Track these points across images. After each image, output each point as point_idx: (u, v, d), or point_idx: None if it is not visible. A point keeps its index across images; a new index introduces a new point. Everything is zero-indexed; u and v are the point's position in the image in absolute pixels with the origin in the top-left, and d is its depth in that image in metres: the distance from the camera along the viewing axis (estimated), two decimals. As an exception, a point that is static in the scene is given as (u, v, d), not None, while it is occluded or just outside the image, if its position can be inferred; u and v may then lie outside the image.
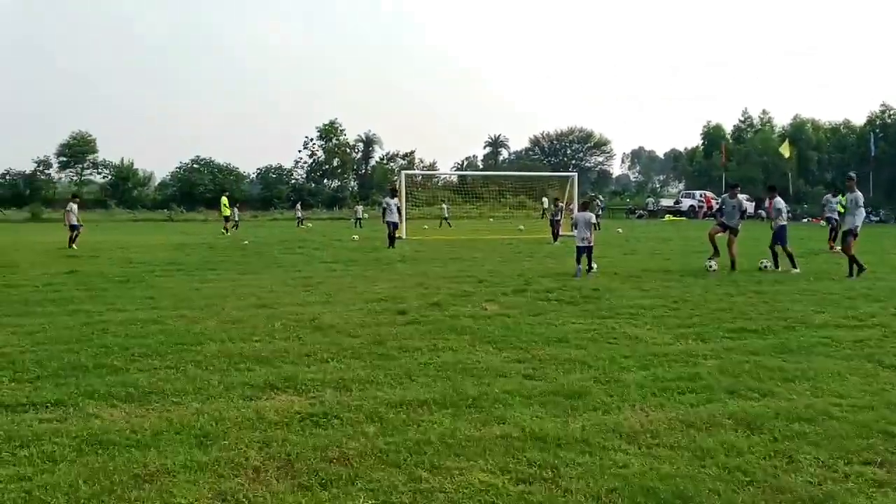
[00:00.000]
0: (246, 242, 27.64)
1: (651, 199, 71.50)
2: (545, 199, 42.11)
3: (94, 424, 5.48)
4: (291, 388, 6.56)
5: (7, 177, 69.27)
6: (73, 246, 23.82)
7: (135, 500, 4.25)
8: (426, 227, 37.24)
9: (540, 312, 10.66)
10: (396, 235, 25.12)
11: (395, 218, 25.19)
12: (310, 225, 46.77)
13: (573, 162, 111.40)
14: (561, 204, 29.67)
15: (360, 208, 46.97)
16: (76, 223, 25.05)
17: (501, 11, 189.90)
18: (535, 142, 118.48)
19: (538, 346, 8.36)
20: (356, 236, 31.35)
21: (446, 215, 44.07)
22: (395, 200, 25.91)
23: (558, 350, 8.14)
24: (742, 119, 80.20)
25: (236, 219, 40.18)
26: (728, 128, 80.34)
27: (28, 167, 70.52)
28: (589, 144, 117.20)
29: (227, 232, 34.58)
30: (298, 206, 51.03)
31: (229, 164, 76.53)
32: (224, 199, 37.20)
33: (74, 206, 25.63)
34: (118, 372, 7.08)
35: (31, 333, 8.93)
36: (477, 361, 7.59)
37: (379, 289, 13.37)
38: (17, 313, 10.49)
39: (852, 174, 17.25)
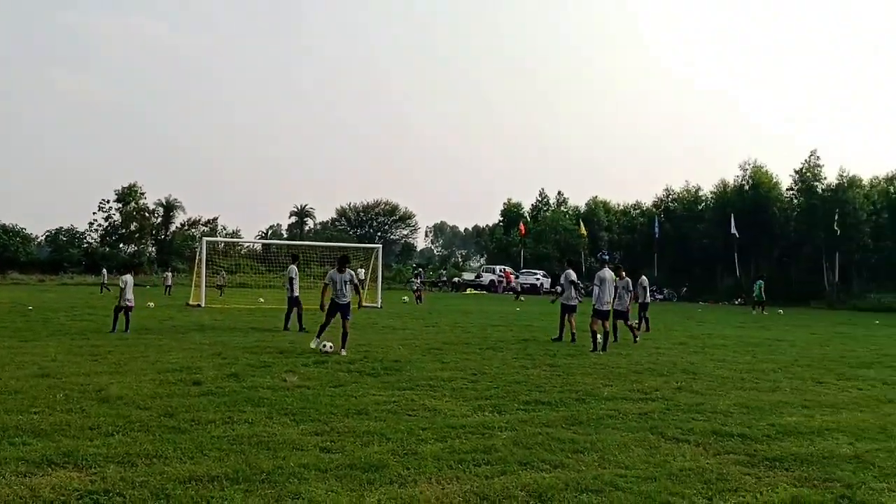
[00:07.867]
0: (31, 308, 25.67)
1: (443, 271, 76.81)
2: (361, 271, 41.75)
3: None
4: (71, 464, 6.07)
5: None
6: None
7: None
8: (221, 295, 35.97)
9: (341, 384, 10.51)
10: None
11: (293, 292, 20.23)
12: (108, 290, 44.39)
13: (379, 234, 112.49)
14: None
15: (169, 275, 46.36)
16: None
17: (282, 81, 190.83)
18: (342, 213, 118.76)
19: (337, 418, 8.21)
20: (152, 303, 29.81)
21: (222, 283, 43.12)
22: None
23: (357, 422, 8.01)
24: (539, 198, 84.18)
25: None
26: (527, 206, 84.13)
27: None
28: (394, 217, 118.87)
29: None
30: (104, 271, 48.42)
31: (15, 224, 70.88)
32: None
33: None
34: None
35: None
36: (273, 434, 7.33)
37: (173, 358, 12.74)
38: None
39: (606, 256, 18.53)
